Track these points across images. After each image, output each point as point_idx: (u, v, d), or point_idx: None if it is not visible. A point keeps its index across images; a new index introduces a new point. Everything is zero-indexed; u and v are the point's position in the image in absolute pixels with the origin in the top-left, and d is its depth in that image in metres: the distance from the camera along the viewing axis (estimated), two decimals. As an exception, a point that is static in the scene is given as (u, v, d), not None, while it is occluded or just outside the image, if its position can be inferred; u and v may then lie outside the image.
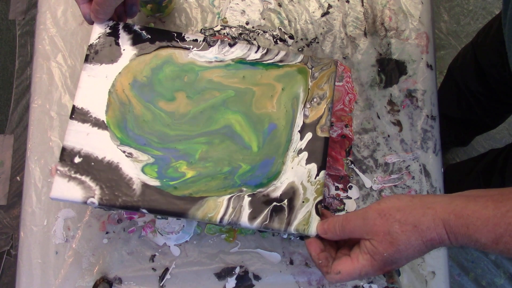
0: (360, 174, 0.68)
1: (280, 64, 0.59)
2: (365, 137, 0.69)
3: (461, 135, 1.26)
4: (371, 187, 0.68)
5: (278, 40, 0.71)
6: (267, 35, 0.71)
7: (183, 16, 0.71)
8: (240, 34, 0.71)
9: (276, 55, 0.59)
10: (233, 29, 0.71)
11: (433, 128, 0.70)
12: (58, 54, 0.69)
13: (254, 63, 0.58)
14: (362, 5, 0.72)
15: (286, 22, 0.71)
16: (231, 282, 0.64)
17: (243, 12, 0.72)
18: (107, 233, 0.65)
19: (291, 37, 0.71)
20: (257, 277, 0.65)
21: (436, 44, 1.23)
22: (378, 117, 0.69)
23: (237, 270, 0.65)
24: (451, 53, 1.45)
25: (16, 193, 1.37)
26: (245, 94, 0.57)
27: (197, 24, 0.71)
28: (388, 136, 0.69)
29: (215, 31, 0.70)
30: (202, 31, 0.70)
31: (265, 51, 0.59)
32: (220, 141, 0.56)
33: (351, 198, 0.67)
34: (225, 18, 0.71)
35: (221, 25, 0.71)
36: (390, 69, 0.71)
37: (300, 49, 0.70)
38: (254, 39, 0.71)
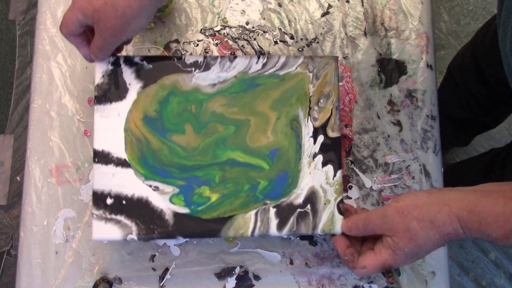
0: (360, 174, 0.68)
1: (281, 73, 0.59)
2: (365, 137, 0.69)
3: (461, 135, 1.25)
4: (371, 187, 0.68)
5: (278, 41, 0.71)
6: (267, 35, 0.71)
7: (183, 16, 0.71)
8: (240, 34, 0.71)
9: (277, 62, 0.59)
10: (233, 29, 0.71)
11: (433, 128, 0.70)
12: (58, 54, 0.69)
13: (256, 78, 0.59)
14: (362, 5, 0.72)
15: (286, 22, 0.71)
16: (231, 282, 0.65)
17: (243, 12, 0.72)
18: (107, 233, 0.65)
19: (292, 37, 0.71)
20: (257, 277, 0.65)
21: (436, 44, 1.23)
22: (378, 117, 0.69)
23: (237, 270, 0.65)
24: (451, 53, 1.45)
25: (16, 193, 1.37)
26: (243, 127, 0.58)
27: (197, 24, 0.71)
28: (388, 136, 0.69)
29: (215, 31, 0.70)
30: (202, 31, 0.70)
31: (265, 60, 0.59)
32: (231, 167, 0.58)
33: (351, 198, 0.67)
34: (225, 18, 0.71)
35: (221, 25, 0.71)
36: (390, 69, 0.71)
37: (300, 49, 0.70)
38: (254, 39, 0.71)
